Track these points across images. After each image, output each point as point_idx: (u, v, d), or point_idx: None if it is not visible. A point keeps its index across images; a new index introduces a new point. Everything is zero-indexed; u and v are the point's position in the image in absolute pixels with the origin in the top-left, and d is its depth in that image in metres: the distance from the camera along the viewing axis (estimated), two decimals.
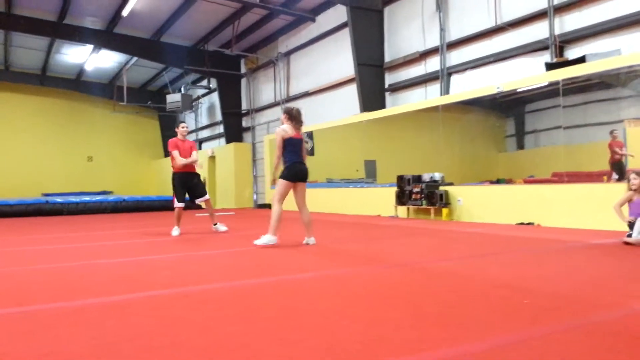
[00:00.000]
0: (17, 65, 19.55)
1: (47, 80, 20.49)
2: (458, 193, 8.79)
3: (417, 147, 10.49)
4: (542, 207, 7.45)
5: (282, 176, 5.67)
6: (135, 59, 17.80)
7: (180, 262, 4.71)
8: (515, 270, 3.84)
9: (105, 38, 15.59)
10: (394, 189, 9.78)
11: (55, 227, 9.64)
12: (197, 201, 7.49)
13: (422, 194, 9.10)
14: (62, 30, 14.96)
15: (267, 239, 5.53)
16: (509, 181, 8.49)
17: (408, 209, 9.65)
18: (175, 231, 7.27)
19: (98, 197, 16.07)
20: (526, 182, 8.13)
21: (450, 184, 9.04)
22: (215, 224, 7.58)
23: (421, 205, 9.13)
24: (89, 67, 19.01)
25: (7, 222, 11.77)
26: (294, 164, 5.67)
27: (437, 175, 9.16)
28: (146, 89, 22.17)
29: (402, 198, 9.56)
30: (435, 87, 10.23)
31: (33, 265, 4.63)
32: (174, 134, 7.62)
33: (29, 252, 5.71)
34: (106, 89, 21.30)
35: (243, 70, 17.73)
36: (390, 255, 4.79)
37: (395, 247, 5.43)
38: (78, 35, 15.24)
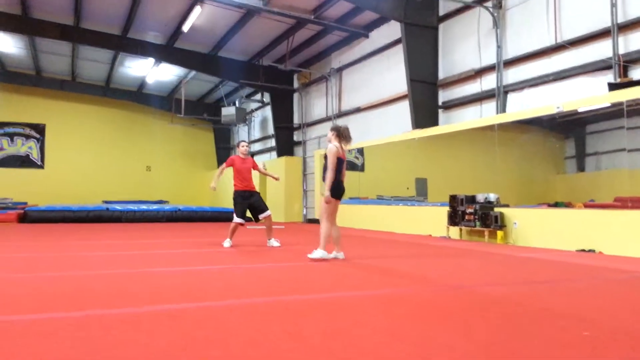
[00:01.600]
0: (83, 77, 20.67)
1: (110, 92, 21.54)
2: (514, 215, 8.51)
3: (470, 167, 10.25)
4: (604, 233, 7.09)
5: (334, 195, 5.74)
6: (193, 72, 18.43)
7: (232, 274, 4.78)
8: (573, 299, 3.66)
9: (166, 52, 16.24)
10: (446, 209, 9.58)
11: (114, 234, 10.03)
12: (260, 216, 7.48)
13: (475, 215, 8.87)
14: (126, 44, 15.70)
15: (320, 253, 5.65)
16: (568, 205, 8.14)
17: (461, 229, 9.42)
18: (227, 243, 7.40)
19: (155, 206, 16.63)
20: (587, 206, 7.77)
21: (506, 205, 8.76)
22: (270, 239, 7.60)
23: (475, 226, 8.90)
24: (149, 80, 19.84)
25: (70, 227, 12.36)
26: (340, 183, 5.78)
27: (492, 196, 8.91)
28: (202, 102, 22.87)
29: (455, 218, 9.35)
30: (491, 105, 10.01)
31: (92, 271, 4.83)
32: (228, 146, 7.81)
33: (89, 258, 5.96)
34: (165, 101, 22.13)
35: (296, 85, 17.99)
36: (441, 277, 4.68)
37: (447, 269, 5.30)
38: (140, 49, 15.96)
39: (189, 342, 2.37)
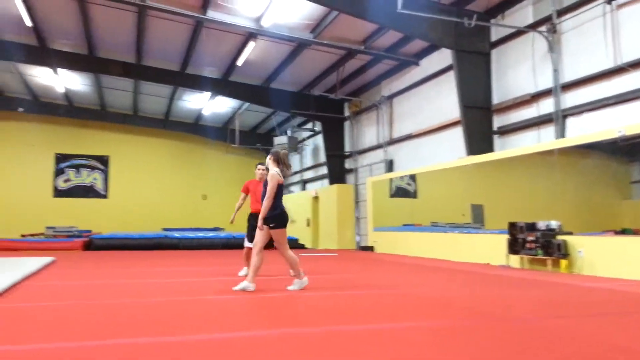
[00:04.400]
0: (144, 111, 21.73)
1: (169, 124, 22.52)
2: (578, 243, 8.17)
3: (529, 193, 9.96)
4: None
5: (280, 224, 5.60)
6: (247, 104, 19.02)
7: (278, 302, 4.83)
8: None
9: (221, 86, 16.86)
10: (505, 236, 9.32)
11: (174, 261, 10.34)
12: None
13: (537, 243, 8.57)
14: (184, 79, 16.44)
15: (244, 284, 5.45)
16: (637, 231, 7.74)
17: (522, 258, 9.12)
18: (243, 272, 7.12)
19: (211, 234, 17.06)
20: None
21: (569, 233, 8.43)
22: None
23: (536, 255, 8.59)
24: (206, 112, 20.63)
25: (132, 254, 12.86)
26: (284, 211, 5.66)
27: (554, 224, 8.59)
28: (256, 132, 23.47)
29: (515, 246, 9.06)
30: (549, 130, 9.74)
31: (152, 298, 5.00)
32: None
33: (150, 285, 6.19)
34: (220, 132, 22.87)
35: (346, 113, 18.18)
36: (500, 308, 4.55)
37: (506, 300, 5.14)
38: (197, 83, 16.67)
39: None
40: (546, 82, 9.82)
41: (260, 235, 5.62)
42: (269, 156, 5.78)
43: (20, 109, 20.42)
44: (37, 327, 3.58)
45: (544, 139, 9.80)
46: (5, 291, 5.15)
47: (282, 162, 5.69)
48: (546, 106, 9.84)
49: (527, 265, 9.05)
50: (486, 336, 3.34)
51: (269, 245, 7.23)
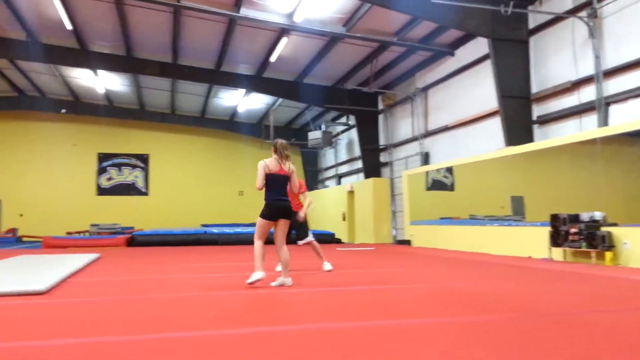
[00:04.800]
0: (181, 109, 22.17)
1: (205, 122, 22.90)
2: (624, 235, 7.88)
3: (571, 183, 9.66)
4: None
5: (261, 214, 5.55)
6: (280, 100, 19.14)
7: (318, 296, 4.84)
8: None
9: (256, 82, 17.01)
10: (547, 229, 9.08)
11: (212, 256, 10.53)
12: (299, 242, 7.18)
13: (580, 235, 8.32)
14: (219, 77, 16.68)
15: (256, 275, 5.35)
16: None
17: (564, 251, 8.87)
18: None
19: (248, 229, 17.27)
20: None
21: (614, 224, 8.14)
22: (323, 263, 7.26)
23: (580, 247, 8.34)
24: (240, 109, 20.87)
25: (171, 250, 13.17)
26: (273, 201, 5.54)
27: (598, 215, 8.31)
28: (290, 127, 23.60)
29: (558, 239, 8.82)
30: (591, 118, 9.42)
31: (190, 292, 5.11)
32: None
33: (190, 280, 6.31)
34: (255, 128, 23.11)
35: (380, 106, 18.04)
36: (543, 302, 4.44)
37: (549, 294, 5.01)
38: (232, 81, 16.88)
39: None
40: (587, 69, 9.49)
41: (277, 231, 5.64)
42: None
43: (63, 110, 21.17)
44: (79, 322, 3.71)
45: (585, 128, 9.48)
46: (52, 288, 5.35)
47: (278, 151, 5.62)
48: (588, 94, 9.51)
49: (570, 258, 8.80)
50: (529, 331, 3.27)
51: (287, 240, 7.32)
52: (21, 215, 21.48)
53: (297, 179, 6.35)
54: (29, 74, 18.03)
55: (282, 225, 5.63)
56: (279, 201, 5.59)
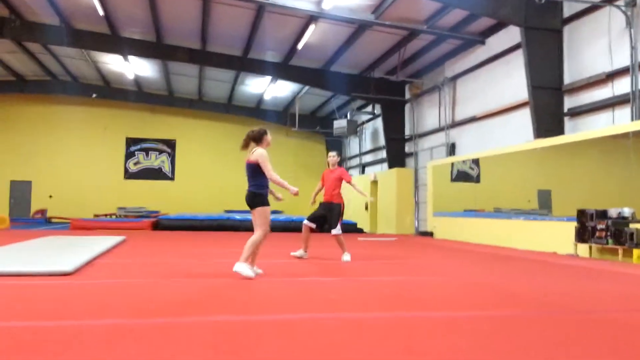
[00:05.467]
0: (209, 96, 22.36)
1: (232, 109, 23.06)
2: None
3: (601, 178, 9.40)
4: None
5: (267, 202, 5.37)
6: (307, 87, 19.09)
7: (341, 286, 4.85)
8: None
9: (282, 69, 17.00)
10: (573, 224, 8.88)
11: (234, 242, 10.63)
12: (331, 233, 7.19)
13: (608, 232, 8.11)
14: (246, 64, 16.73)
15: (244, 269, 5.07)
16: None
17: (590, 247, 8.66)
18: (298, 252, 7.35)
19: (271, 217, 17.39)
20: None
21: None
22: (343, 254, 7.27)
23: (607, 244, 8.13)
24: (267, 97, 20.92)
25: (195, 234, 13.35)
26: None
27: (627, 211, 8.08)
28: (315, 115, 23.56)
29: (584, 235, 8.62)
30: (624, 111, 9.12)
31: (211, 279, 5.17)
32: (340, 158, 7.69)
33: (210, 265, 6.40)
34: (281, 116, 23.17)
35: (407, 95, 17.84)
36: (569, 300, 4.34)
37: (574, 291, 4.90)
38: (259, 68, 16.91)
39: (302, 353, 2.45)
40: (623, 60, 9.17)
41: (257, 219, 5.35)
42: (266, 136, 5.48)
43: (94, 95, 21.59)
44: (103, 304, 3.80)
45: (618, 121, 9.20)
46: (79, 269, 5.48)
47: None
48: (622, 86, 9.21)
49: (596, 254, 8.60)
50: (552, 328, 3.21)
51: (320, 228, 7.35)
52: (50, 196, 22.09)
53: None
54: (62, 58, 18.40)
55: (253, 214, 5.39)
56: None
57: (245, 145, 5.45)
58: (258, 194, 5.32)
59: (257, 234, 5.24)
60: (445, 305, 4.01)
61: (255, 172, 5.32)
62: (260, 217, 5.30)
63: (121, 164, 23.33)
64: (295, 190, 5.38)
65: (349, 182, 7.32)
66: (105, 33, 15.22)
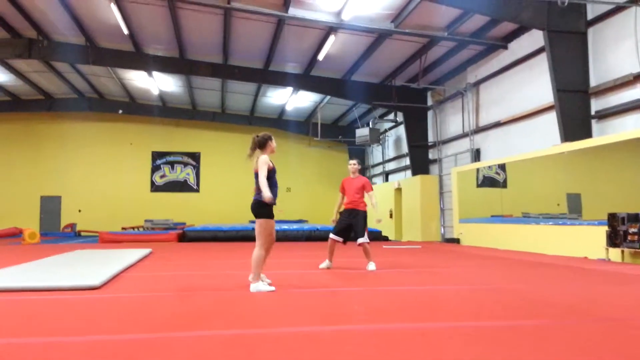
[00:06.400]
0: (231, 108, 22.61)
1: (254, 120, 23.24)
2: None
3: (631, 181, 9.15)
4: None
5: (271, 215, 5.30)
6: (328, 97, 19.15)
7: (366, 296, 4.80)
8: None
9: (303, 80, 17.11)
10: (604, 228, 8.66)
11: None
12: (357, 242, 7.09)
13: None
14: (268, 76, 16.89)
15: (259, 286, 5.05)
16: None
17: (622, 252, 8.43)
18: (324, 264, 7.28)
19: (295, 226, 17.41)
20: None
21: None
22: (368, 263, 7.17)
23: (639, 248, 7.91)
24: (289, 107, 21.06)
25: (220, 246, 13.44)
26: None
27: None
28: (337, 125, 23.59)
29: (615, 239, 8.40)
30: None
31: (235, 291, 5.19)
32: (363, 166, 7.70)
33: (234, 277, 6.43)
34: (303, 126, 23.26)
35: (429, 102, 17.73)
36: (600, 306, 4.22)
37: (607, 297, 4.76)
38: (280, 79, 17.05)
39: None
40: None
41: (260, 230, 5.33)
42: (270, 141, 5.54)
43: (120, 111, 22.05)
44: (129, 318, 3.84)
45: None
46: (106, 283, 5.57)
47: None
48: None
49: (628, 259, 8.36)
50: (583, 337, 3.12)
51: (347, 237, 7.26)
52: (80, 210, 22.57)
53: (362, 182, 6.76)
54: (88, 76, 18.86)
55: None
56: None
57: (252, 152, 5.46)
58: (262, 204, 5.28)
59: (258, 249, 5.19)
60: (472, 315, 3.94)
61: None
62: (261, 229, 5.27)
63: (147, 177, 23.72)
64: (267, 197, 5.20)
65: (370, 191, 7.31)
66: (129, 51, 15.57)
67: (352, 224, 7.16)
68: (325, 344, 2.95)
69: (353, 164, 7.44)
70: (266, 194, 5.17)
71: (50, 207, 22.57)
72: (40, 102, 21.43)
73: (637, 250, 8.02)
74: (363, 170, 24.06)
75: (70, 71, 18.13)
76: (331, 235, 7.28)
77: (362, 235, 7.08)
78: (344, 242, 7.28)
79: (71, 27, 14.05)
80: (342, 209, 7.43)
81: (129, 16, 13.20)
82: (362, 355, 2.68)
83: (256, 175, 5.38)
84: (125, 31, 13.53)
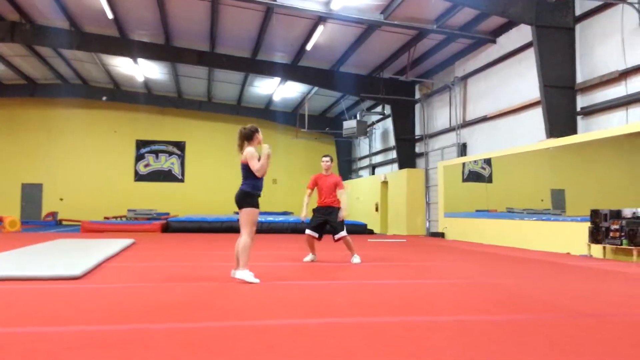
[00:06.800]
0: (218, 97, 22.39)
1: (241, 110, 23.05)
2: None
3: (615, 178, 9.25)
4: None
5: (256, 204, 5.32)
6: (316, 88, 19.04)
7: (350, 289, 4.78)
8: None
9: (291, 71, 16.98)
10: (587, 224, 8.74)
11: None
12: (335, 237, 7.14)
13: (622, 232, 7.96)
14: (255, 65, 16.72)
15: (248, 277, 5.03)
16: None
17: (604, 248, 8.52)
18: (308, 258, 7.28)
19: (280, 218, 17.35)
20: None
21: None
22: (352, 256, 7.22)
23: (621, 244, 7.99)
24: (276, 98, 20.91)
25: (204, 237, 13.33)
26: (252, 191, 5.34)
27: None
28: (325, 116, 23.51)
29: (598, 235, 8.47)
30: (638, 110, 8.96)
31: (219, 283, 5.13)
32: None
33: (217, 268, 6.36)
34: (290, 117, 23.14)
35: (417, 95, 17.72)
36: (581, 302, 4.24)
37: (587, 293, 4.79)
38: (268, 69, 16.88)
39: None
40: (636, 59, 9.02)
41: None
42: (256, 133, 5.47)
43: (104, 98, 21.70)
44: (109, 309, 3.76)
45: (632, 120, 9.04)
46: (87, 272, 5.46)
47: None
48: (636, 84, 9.06)
49: (610, 255, 8.45)
50: (565, 332, 3.12)
51: (322, 233, 7.20)
52: (61, 199, 22.23)
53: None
54: (72, 62, 18.52)
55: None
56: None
57: (241, 146, 5.42)
58: (248, 194, 5.28)
59: (245, 237, 5.15)
60: (455, 309, 3.92)
61: (248, 172, 5.34)
62: (246, 218, 5.23)
63: (131, 166, 23.43)
64: (267, 153, 5.35)
65: (341, 189, 7.27)
66: (114, 36, 15.29)
67: (328, 220, 7.15)
68: (309, 337, 2.90)
69: (326, 161, 7.41)
70: (264, 151, 5.31)
71: (31, 194, 22.19)
72: (22, 87, 21.00)
73: (618, 247, 8.10)
74: (350, 163, 24.05)
75: (54, 56, 17.78)
76: (307, 231, 7.28)
77: (341, 230, 7.10)
78: (319, 237, 7.26)
79: (55, 10, 13.73)
80: (315, 207, 7.38)
81: (114, 0, 12.93)
82: (346, 348, 2.65)
83: (243, 167, 5.36)
84: (110, 16, 13.27)
